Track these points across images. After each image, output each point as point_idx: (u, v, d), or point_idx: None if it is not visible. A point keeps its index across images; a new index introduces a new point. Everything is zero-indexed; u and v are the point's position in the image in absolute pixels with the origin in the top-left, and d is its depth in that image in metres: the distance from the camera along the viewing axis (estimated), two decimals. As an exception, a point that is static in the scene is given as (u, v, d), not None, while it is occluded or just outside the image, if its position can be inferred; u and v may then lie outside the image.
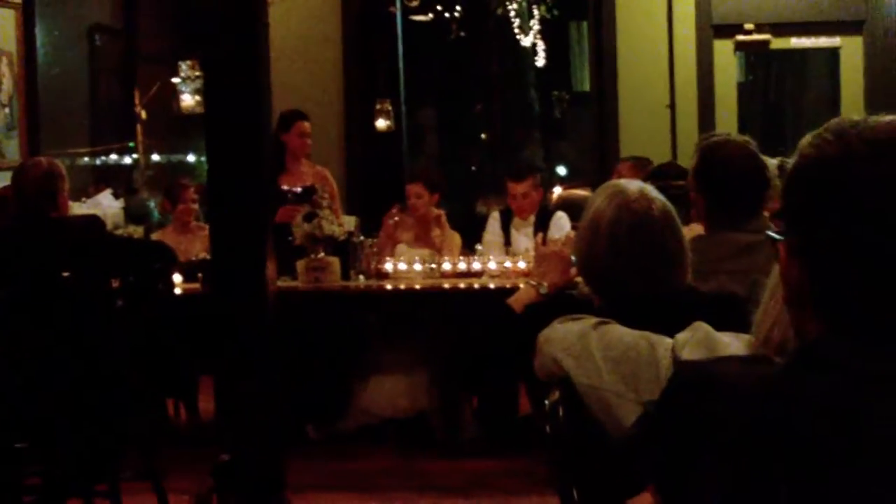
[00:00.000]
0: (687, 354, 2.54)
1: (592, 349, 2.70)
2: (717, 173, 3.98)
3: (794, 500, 1.36)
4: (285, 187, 7.71)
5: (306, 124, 7.96)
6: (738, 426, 1.43)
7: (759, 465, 1.38)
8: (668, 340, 2.64)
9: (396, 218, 7.82)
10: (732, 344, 2.51)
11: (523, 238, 7.78)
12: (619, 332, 2.72)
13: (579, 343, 2.72)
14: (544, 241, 3.94)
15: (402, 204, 7.88)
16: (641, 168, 7.33)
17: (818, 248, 1.49)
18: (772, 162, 4.18)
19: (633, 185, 3.06)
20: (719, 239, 3.87)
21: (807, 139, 1.54)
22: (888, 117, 1.50)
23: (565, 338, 2.76)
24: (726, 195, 3.96)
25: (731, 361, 1.83)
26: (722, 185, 3.97)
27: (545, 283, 3.47)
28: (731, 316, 2.70)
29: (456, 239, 7.87)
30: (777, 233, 1.55)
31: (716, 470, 1.43)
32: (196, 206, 8.01)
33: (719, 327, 2.64)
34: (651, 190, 3.04)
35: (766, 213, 4.09)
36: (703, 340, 2.58)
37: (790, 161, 1.57)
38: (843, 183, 1.46)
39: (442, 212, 7.89)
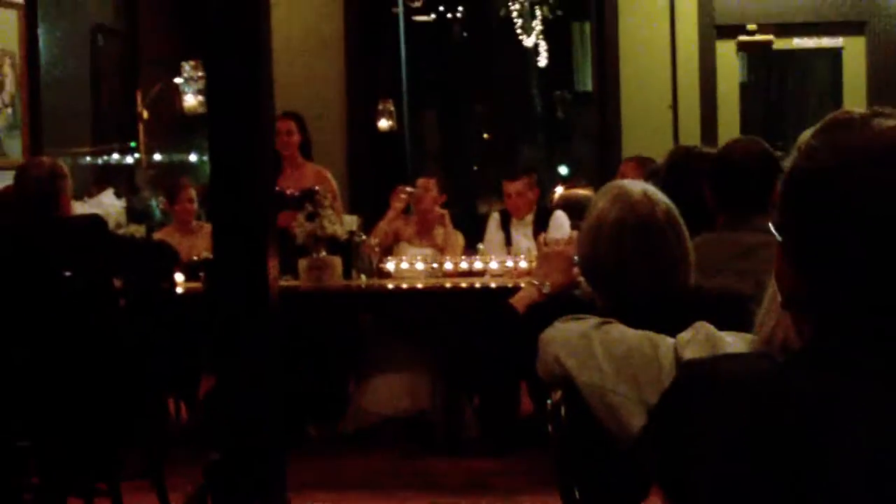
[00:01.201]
0: (689, 354, 2.54)
1: (595, 349, 2.69)
2: (728, 173, 3.99)
3: (794, 494, 1.36)
4: (286, 191, 7.65)
5: (284, 123, 7.87)
6: (738, 423, 1.44)
7: (759, 461, 1.39)
8: (671, 340, 2.64)
9: (404, 195, 7.83)
10: (735, 343, 2.50)
11: (522, 238, 7.78)
12: (622, 332, 2.71)
13: (581, 343, 2.72)
14: (546, 241, 3.94)
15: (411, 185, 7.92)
16: (645, 168, 7.33)
17: (809, 253, 1.49)
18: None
19: (637, 186, 3.06)
20: (727, 238, 3.88)
21: (804, 138, 1.53)
22: (885, 122, 1.49)
23: (567, 337, 2.75)
24: (736, 195, 3.96)
25: (733, 359, 1.84)
26: (732, 184, 3.98)
27: (548, 283, 3.47)
28: (735, 315, 2.69)
29: (459, 238, 7.88)
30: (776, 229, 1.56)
31: (717, 466, 1.43)
32: (194, 206, 8.00)
33: (723, 327, 2.63)
34: (655, 192, 3.04)
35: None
36: (705, 340, 2.57)
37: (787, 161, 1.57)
38: (835, 193, 1.46)
39: (445, 211, 7.90)
